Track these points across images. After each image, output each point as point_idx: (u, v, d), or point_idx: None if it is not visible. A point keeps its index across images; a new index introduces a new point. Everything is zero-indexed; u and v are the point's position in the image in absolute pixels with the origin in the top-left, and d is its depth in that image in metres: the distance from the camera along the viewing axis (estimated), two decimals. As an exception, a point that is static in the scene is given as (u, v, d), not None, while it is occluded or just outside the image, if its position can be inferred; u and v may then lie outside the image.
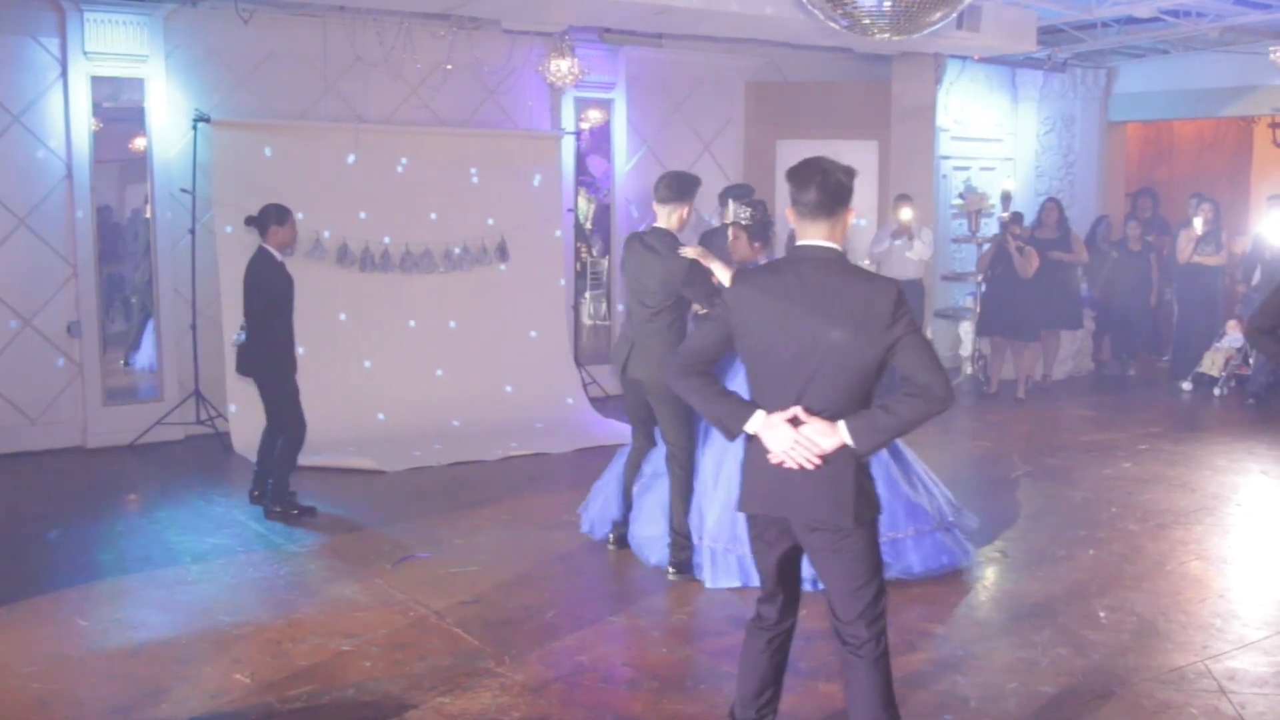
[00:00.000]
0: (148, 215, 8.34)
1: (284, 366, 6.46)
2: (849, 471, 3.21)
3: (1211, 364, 10.57)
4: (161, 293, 8.38)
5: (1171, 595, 5.37)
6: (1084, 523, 6.51)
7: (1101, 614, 5.11)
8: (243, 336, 6.46)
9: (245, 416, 7.86)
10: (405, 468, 7.71)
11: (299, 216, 8.09)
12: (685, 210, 5.60)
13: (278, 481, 6.54)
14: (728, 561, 5.45)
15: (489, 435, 8.44)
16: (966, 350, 10.96)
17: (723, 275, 5.31)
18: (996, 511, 6.66)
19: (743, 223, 5.74)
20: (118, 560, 5.83)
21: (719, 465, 5.55)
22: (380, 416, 8.58)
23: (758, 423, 3.27)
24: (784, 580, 3.47)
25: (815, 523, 3.25)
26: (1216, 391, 10.42)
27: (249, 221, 6.53)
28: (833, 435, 3.17)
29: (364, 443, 8.09)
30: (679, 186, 5.58)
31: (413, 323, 8.97)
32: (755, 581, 5.39)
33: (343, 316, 8.69)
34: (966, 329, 10.91)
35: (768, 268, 3.46)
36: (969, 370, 10.91)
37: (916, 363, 3.16)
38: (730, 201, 6.14)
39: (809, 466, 3.19)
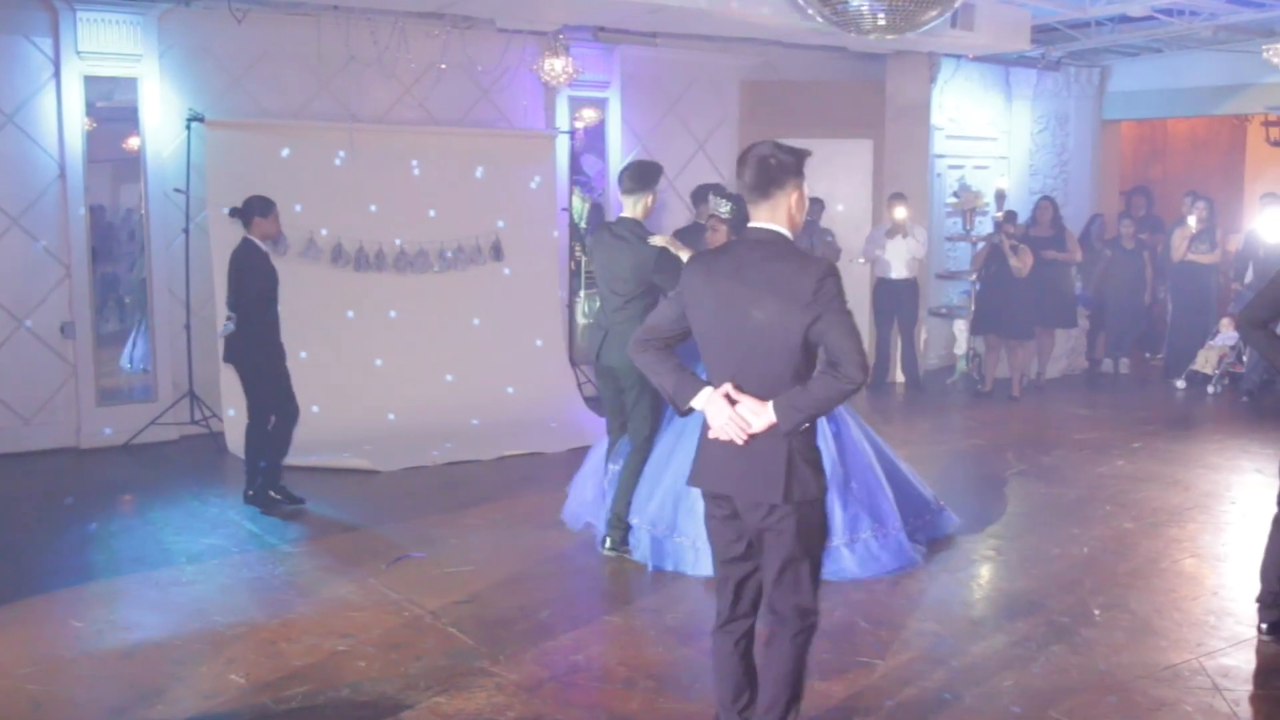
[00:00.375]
0: (141, 215, 8.32)
1: (271, 356, 6.50)
2: (780, 449, 3.26)
3: (1205, 362, 10.59)
4: (155, 293, 8.36)
5: (1166, 593, 5.38)
6: (1078, 520, 6.52)
7: (1096, 611, 5.11)
8: (231, 327, 6.48)
9: (240, 417, 7.83)
10: (401, 467, 7.71)
11: (296, 209, 8.20)
12: (650, 198, 5.69)
13: (270, 465, 6.55)
14: (664, 548, 5.58)
15: (486, 435, 8.43)
16: (961, 349, 10.97)
17: None
18: (991, 509, 6.67)
19: (722, 216, 5.87)
20: (112, 561, 5.82)
21: (670, 453, 5.62)
22: (390, 416, 8.59)
23: (704, 399, 3.35)
24: (733, 568, 3.48)
25: (750, 499, 3.33)
26: (1210, 389, 10.44)
27: (233, 213, 6.57)
28: (763, 413, 3.24)
29: (372, 441, 8.10)
30: (642, 176, 5.67)
31: (411, 320, 8.95)
32: (689, 569, 5.47)
33: (349, 315, 8.70)
34: (961, 327, 10.91)
35: (716, 250, 3.56)
36: (964, 368, 10.92)
37: (833, 341, 3.20)
38: (710, 195, 6.26)
39: (738, 443, 3.27)
